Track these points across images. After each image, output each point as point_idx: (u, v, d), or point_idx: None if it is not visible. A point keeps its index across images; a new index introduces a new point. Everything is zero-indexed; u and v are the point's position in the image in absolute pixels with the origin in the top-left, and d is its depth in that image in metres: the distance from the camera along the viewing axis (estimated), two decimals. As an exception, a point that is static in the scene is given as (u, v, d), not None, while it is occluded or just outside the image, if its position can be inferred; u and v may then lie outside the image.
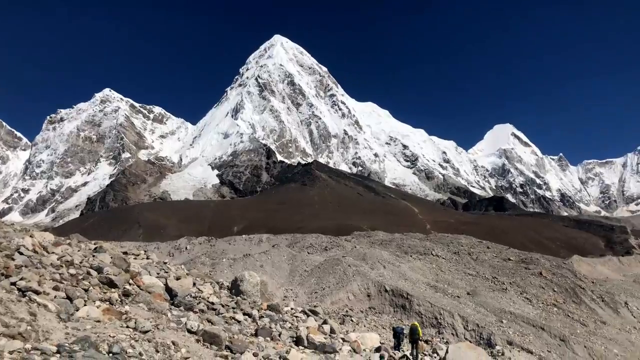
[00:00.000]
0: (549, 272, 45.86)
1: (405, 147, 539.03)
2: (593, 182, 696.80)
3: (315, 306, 28.79)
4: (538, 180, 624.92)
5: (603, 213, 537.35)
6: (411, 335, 21.89)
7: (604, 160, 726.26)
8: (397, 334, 22.77)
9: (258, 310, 19.72)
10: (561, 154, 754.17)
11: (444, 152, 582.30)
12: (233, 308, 19.16)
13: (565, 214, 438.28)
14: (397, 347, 22.34)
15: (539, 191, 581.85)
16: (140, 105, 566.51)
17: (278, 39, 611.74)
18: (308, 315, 22.64)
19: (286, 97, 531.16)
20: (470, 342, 27.49)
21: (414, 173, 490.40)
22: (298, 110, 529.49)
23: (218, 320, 16.26)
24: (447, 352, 20.60)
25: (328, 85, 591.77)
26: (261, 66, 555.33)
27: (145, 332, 12.00)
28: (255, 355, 13.11)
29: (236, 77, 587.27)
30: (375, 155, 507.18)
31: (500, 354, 26.35)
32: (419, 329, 21.80)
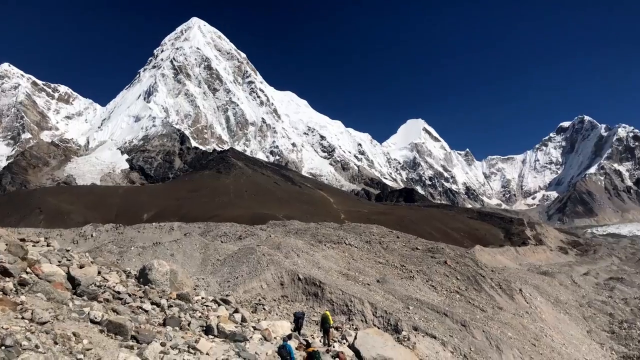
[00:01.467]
0: (453, 260, 48.47)
1: (322, 137, 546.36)
2: (495, 177, 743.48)
3: (227, 295, 28.49)
4: (446, 174, 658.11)
5: (503, 206, 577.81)
6: (322, 325, 22.32)
7: (506, 157, 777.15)
8: (297, 319, 23.11)
9: (167, 300, 19.21)
10: (467, 150, 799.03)
11: (360, 144, 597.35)
12: (140, 297, 18.53)
13: (470, 206, 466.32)
14: (297, 331, 22.66)
15: (446, 184, 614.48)
16: (43, 83, 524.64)
17: (196, 22, 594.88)
18: (219, 305, 22.36)
19: (202, 81, 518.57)
20: (378, 328, 28.47)
21: (330, 164, 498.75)
22: (215, 95, 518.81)
23: (124, 310, 15.67)
24: (355, 338, 21.27)
25: (247, 71, 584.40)
26: (177, 48, 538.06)
27: (43, 323, 11.34)
28: (162, 345, 12.79)
29: (150, 58, 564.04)
30: (293, 144, 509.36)
31: (406, 339, 27.42)
32: (330, 317, 22.24)
